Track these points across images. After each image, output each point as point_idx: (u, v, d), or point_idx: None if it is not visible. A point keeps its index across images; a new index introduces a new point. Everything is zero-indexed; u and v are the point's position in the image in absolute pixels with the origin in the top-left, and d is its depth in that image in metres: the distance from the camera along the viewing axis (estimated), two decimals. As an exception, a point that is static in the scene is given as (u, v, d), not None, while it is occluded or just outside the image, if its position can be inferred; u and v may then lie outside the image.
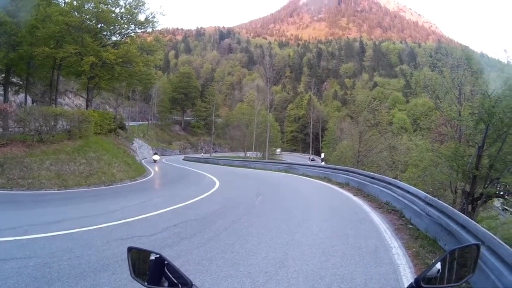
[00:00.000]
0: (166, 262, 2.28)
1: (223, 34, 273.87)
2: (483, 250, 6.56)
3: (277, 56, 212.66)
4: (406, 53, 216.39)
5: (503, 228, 32.68)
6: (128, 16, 37.10)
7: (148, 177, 33.77)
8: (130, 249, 2.44)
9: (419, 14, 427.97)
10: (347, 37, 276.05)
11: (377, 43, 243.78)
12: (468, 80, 29.85)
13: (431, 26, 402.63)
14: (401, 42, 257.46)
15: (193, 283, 2.18)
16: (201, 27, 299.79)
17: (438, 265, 2.22)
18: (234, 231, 11.25)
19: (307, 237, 10.61)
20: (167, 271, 2.25)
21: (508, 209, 32.22)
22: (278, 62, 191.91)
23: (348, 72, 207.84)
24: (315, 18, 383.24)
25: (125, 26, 37.80)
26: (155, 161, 54.32)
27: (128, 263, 2.37)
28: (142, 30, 39.80)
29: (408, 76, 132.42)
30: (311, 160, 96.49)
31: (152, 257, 2.31)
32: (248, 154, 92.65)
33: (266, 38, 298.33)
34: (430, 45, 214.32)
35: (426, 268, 2.28)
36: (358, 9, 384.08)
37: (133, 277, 2.34)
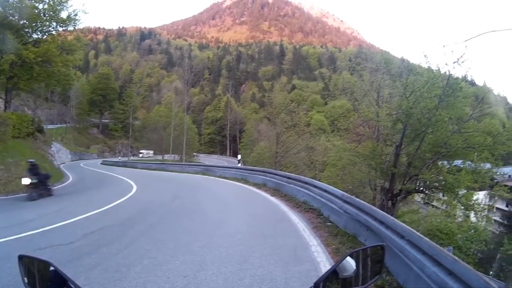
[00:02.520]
0: (60, 272, 1.96)
1: (144, 35, 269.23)
2: (404, 244, 7.11)
3: (196, 58, 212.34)
4: (326, 57, 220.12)
5: (426, 221, 33.73)
6: (51, 12, 35.80)
7: (66, 183, 32.92)
8: (21, 257, 2.11)
9: (341, 21, 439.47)
10: (268, 40, 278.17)
11: (297, 47, 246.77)
12: (386, 83, 30.51)
13: (353, 32, 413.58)
14: (321, 46, 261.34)
15: None
16: (123, 27, 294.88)
17: (354, 265, 2.06)
18: (151, 235, 11.07)
19: (225, 239, 10.53)
20: (69, 283, 2.00)
21: (430, 203, 33.14)
22: (197, 64, 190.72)
23: (267, 75, 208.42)
24: (237, 21, 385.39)
25: (47, 23, 36.49)
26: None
27: (21, 272, 2.07)
28: (64, 28, 38.49)
29: (327, 79, 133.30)
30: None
31: (52, 267, 2.06)
32: (166, 156, 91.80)
33: (186, 40, 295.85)
34: (350, 50, 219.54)
35: (325, 272, 2.11)
36: (281, 13, 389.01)
37: None
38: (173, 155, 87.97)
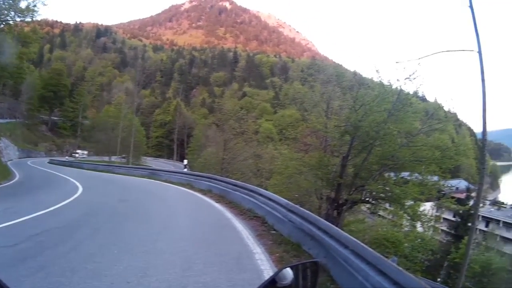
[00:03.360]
0: None
1: (100, 32, 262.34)
2: (348, 254, 7.27)
3: (150, 59, 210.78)
4: (278, 67, 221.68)
5: (372, 230, 34.07)
6: (10, 1, 34.96)
7: (13, 181, 32.57)
8: None
9: (297, 31, 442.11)
10: (222, 46, 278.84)
11: (251, 54, 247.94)
12: (337, 95, 30.76)
13: (308, 43, 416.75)
14: (275, 56, 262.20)
15: None
16: (80, 22, 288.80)
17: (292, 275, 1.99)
18: (96, 239, 10.86)
19: (169, 245, 10.56)
20: None
21: (376, 212, 33.75)
22: (150, 65, 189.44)
23: (218, 81, 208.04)
24: (193, 25, 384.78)
25: (5, 12, 35.55)
26: None
27: None
28: (21, 19, 37.54)
29: (278, 89, 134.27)
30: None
31: None
32: (113, 158, 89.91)
33: (141, 41, 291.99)
34: (304, 61, 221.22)
35: (263, 281, 2.08)
36: (238, 20, 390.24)
37: None
38: (120, 157, 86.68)
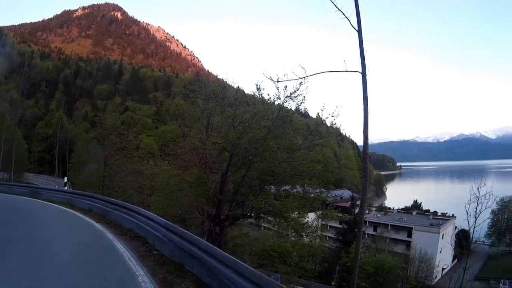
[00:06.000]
0: None
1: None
2: (230, 273, 7.57)
3: (36, 67, 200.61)
4: (162, 81, 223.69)
5: (259, 242, 34.29)
6: None
7: None
8: None
9: (184, 47, 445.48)
10: (109, 58, 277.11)
11: (136, 68, 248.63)
12: (217, 112, 30.86)
13: (194, 59, 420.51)
14: (160, 70, 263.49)
15: None
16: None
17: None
18: None
19: (53, 271, 10.01)
20: None
21: (260, 225, 34.29)
22: (36, 74, 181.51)
23: (102, 94, 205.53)
24: (83, 33, 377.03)
25: None
26: None
27: None
28: None
29: (159, 104, 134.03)
30: None
31: None
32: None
33: (30, 46, 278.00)
34: (188, 76, 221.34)
35: None
36: (127, 32, 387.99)
37: None
38: (2, 172, 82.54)
